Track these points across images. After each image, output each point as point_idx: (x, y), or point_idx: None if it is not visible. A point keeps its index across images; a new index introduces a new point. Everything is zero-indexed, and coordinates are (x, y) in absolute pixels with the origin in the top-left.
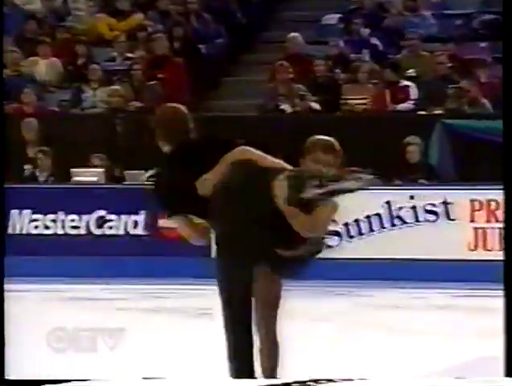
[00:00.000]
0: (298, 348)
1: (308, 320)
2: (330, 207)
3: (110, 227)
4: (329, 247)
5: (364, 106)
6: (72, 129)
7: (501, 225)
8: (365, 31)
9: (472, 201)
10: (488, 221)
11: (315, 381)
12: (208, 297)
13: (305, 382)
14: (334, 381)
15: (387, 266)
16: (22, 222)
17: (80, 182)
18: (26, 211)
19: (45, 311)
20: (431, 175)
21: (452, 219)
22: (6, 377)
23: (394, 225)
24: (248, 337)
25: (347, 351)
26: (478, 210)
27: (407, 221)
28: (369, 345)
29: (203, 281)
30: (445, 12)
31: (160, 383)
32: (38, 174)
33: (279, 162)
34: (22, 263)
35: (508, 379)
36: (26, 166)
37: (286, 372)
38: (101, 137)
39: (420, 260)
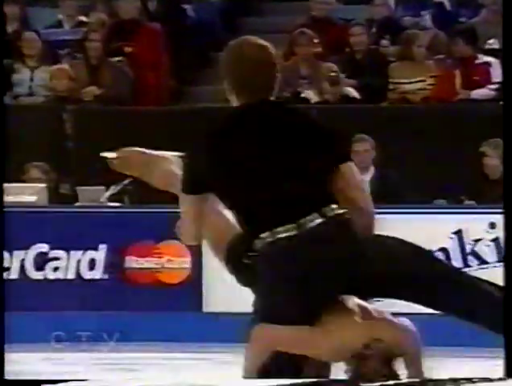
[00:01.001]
0: None
1: None
2: None
3: (55, 269)
4: None
5: (422, 93)
6: None
7: None
8: None
9: None
10: None
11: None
12: (202, 368)
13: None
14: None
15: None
16: None
17: (11, 204)
18: None
19: None
20: None
21: None
22: (6, 377)
23: (467, 265)
24: None
25: None
26: None
27: (487, 259)
28: None
29: (192, 346)
30: None
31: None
32: None
33: None
34: None
35: (508, 379)
36: None
37: None
38: (43, 139)
39: None
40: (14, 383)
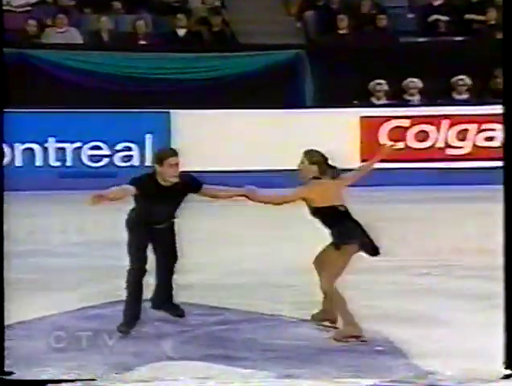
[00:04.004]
0: None
1: None
2: None
3: None
4: None
5: None
6: None
7: None
8: None
9: None
10: None
11: None
12: None
13: None
14: None
15: None
16: None
17: None
18: None
19: None
20: None
21: None
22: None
23: None
24: None
25: None
26: None
27: None
28: None
29: None
30: None
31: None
32: None
33: None
34: None
35: (508, 379)
36: None
37: None
38: None
39: None
40: (14, 383)
